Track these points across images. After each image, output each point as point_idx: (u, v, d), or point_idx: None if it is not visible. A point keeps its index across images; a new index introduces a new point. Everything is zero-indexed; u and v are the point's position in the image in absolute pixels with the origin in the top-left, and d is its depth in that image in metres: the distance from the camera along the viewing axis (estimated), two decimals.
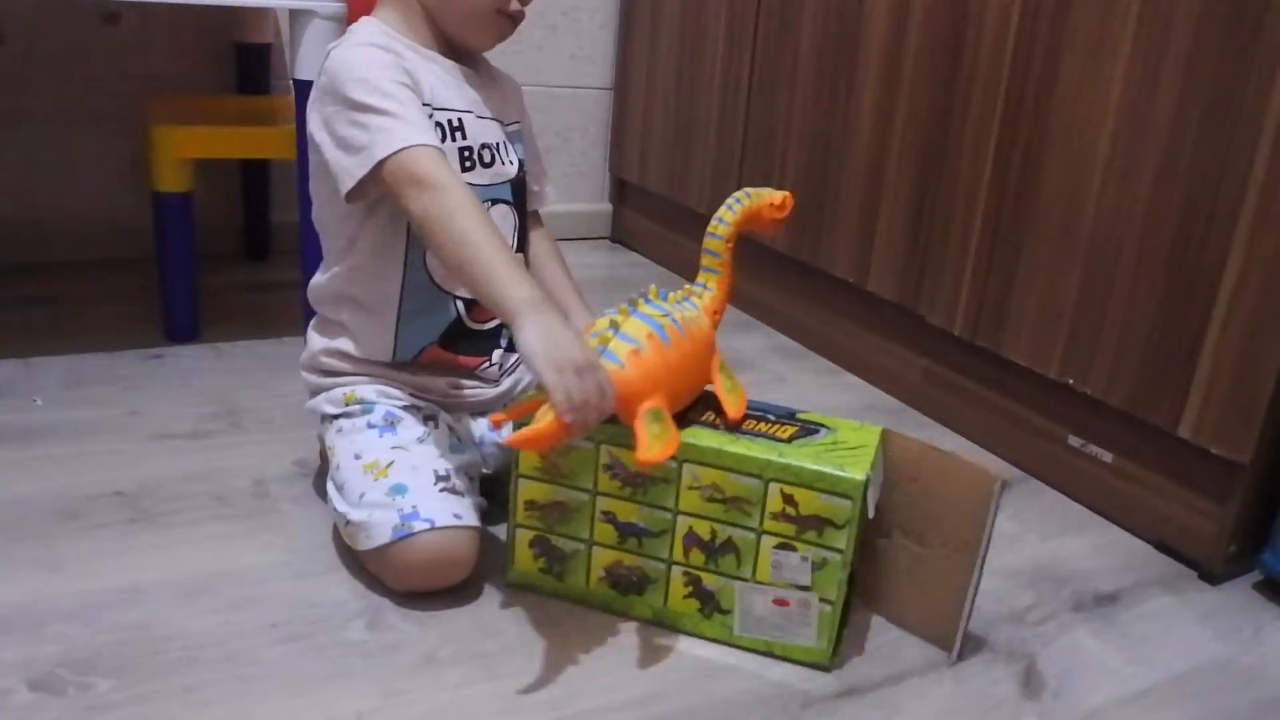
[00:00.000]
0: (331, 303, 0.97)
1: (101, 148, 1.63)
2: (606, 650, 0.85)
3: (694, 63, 1.76)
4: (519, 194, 0.99)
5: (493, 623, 0.87)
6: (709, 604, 0.86)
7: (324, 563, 0.93)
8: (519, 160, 0.99)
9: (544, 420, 0.75)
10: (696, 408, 0.88)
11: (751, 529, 0.83)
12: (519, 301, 0.78)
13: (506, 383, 1.01)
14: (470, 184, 0.91)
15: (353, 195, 0.86)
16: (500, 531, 0.95)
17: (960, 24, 1.21)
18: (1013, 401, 1.23)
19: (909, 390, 1.38)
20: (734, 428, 0.86)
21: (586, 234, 2.12)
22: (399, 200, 0.84)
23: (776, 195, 0.91)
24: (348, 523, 0.87)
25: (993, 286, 1.20)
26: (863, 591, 0.92)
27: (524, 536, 0.89)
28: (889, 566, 0.90)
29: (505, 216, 0.97)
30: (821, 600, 0.83)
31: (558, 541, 0.88)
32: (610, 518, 0.87)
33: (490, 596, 0.90)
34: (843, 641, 0.87)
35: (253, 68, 1.64)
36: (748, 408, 0.89)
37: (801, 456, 0.81)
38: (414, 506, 0.84)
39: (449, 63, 0.95)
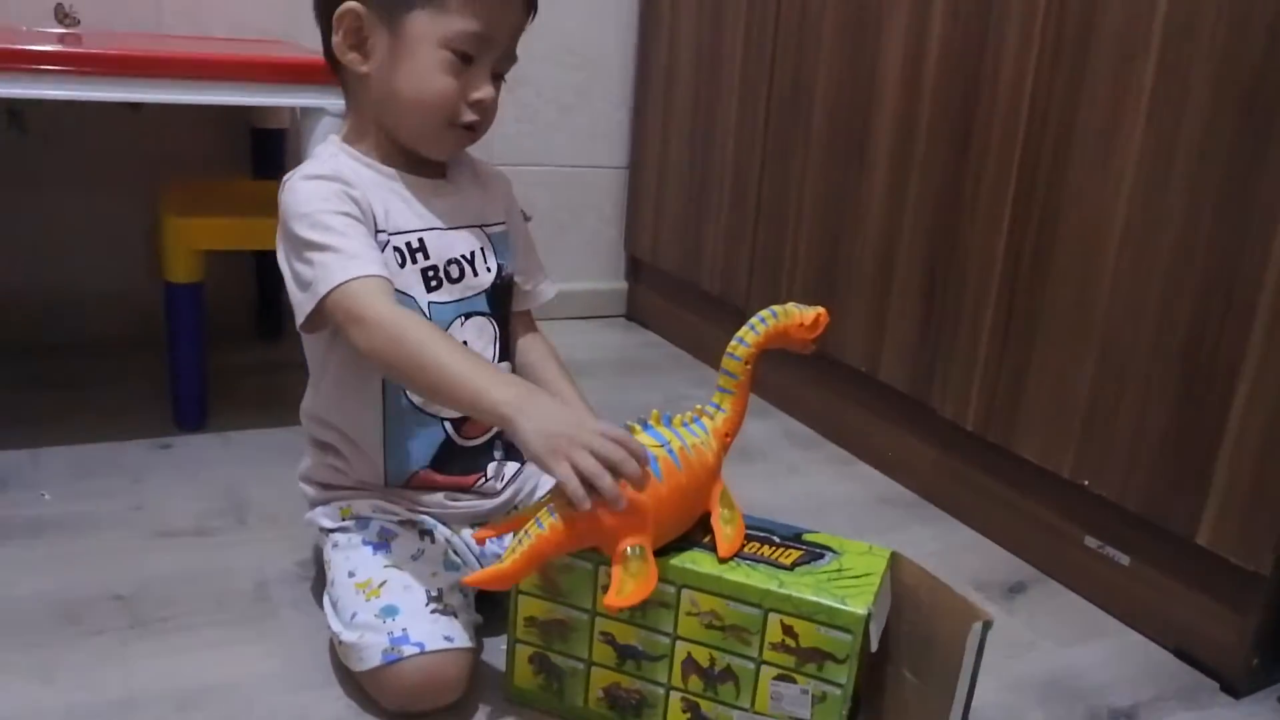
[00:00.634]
0: (319, 426, 0.97)
1: (117, 227, 1.63)
2: None
3: (706, 144, 1.76)
4: (498, 301, 0.97)
5: None
6: None
7: (321, 675, 0.91)
8: (499, 265, 0.97)
9: (510, 556, 0.76)
10: (698, 528, 0.86)
11: (751, 658, 0.81)
12: (500, 405, 0.78)
13: (508, 493, 0.99)
14: (438, 302, 0.92)
15: (307, 328, 0.87)
16: (501, 642, 0.93)
17: (970, 108, 1.21)
18: (1028, 499, 1.20)
19: (923, 482, 1.36)
20: (748, 552, 0.84)
21: (601, 312, 2.11)
22: (346, 339, 0.84)
23: (808, 314, 0.88)
24: (340, 642, 0.86)
25: (1004, 381, 1.19)
26: (872, 717, 0.89)
27: (523, 652, 0.88)
28: (892, 696, 0.87)
29: (482, 328, 0.96)
30: None
31: (556, 659, 0.87)
32: (609, 638, 0.85)
33: (487, 713, 0.88)
34: None
35: (268, 152, 1.66)
36: (753, 527, 0.88)
37: (802, 587, 0.79)
38: (404, 629, 0.83)
39: (411, 178, 0.93)
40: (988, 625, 0.79)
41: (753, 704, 0.81)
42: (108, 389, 1.52)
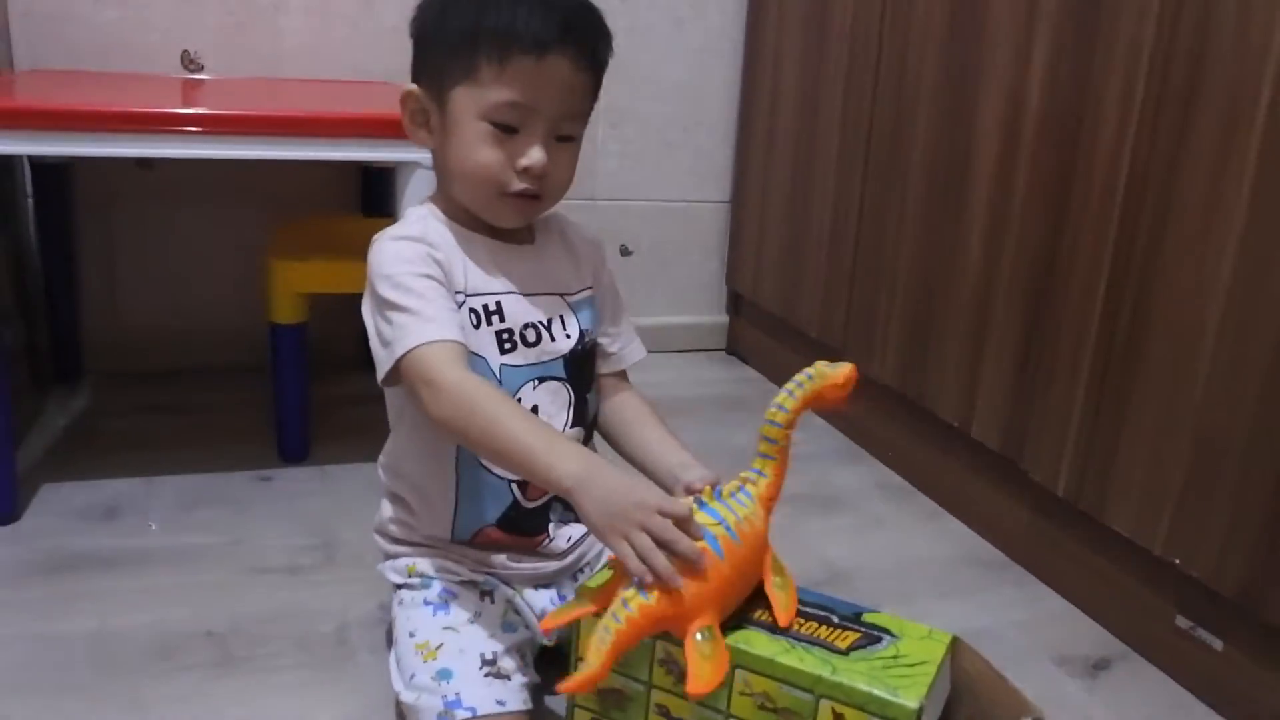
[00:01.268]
0: (393, 477, 1.00)
1: (234, 261, 1.72)
2: None
3: (806, 186, 1.75)
4: (576, 367, 0.98)
5: None
6: None
7: None
8: (581, 331, 0.98)
9: (597, 658, 0.74)
10: (750, 603, 0.86)
11: None
12: (563, 478, 0.79)
13: (572, 556, 1.00)
14: (510, 365, 0.93)
15: (386, 383, 0.90)
16: (562, 699, 0.95)
17: (1067, 172, 1.17)
18: (1118, 570, 1.16)
19: (1013, 543, 1.32)
20: (790, 629, 0.83)
21: (702, 346, 2.12)
22: (416, 402, 0.86)
23: (840, 374, 0.88)
24: (400, 700, 0.89)
25: (1097, 451, 1.14)
26: None
27: (582, 716, 0.89)
28: None
29: (556, 393, 0.96)
30: None
31: None
32: (664, 711, 0.85)
33: None
34: None
35: (378, 191, 1.72)
36: (812, 604, 0.87)
37: (855, 675, 0.78)
38: (458, 693, 0.85)
39: (494, 242, 0.95)
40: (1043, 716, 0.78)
41: None
42: (220, 418, 1.60)
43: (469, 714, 0.84)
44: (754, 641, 0.81)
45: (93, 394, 1.67)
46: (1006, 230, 1.28)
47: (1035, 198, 1.23)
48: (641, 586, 0.75)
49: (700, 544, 0.78)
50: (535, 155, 0.89)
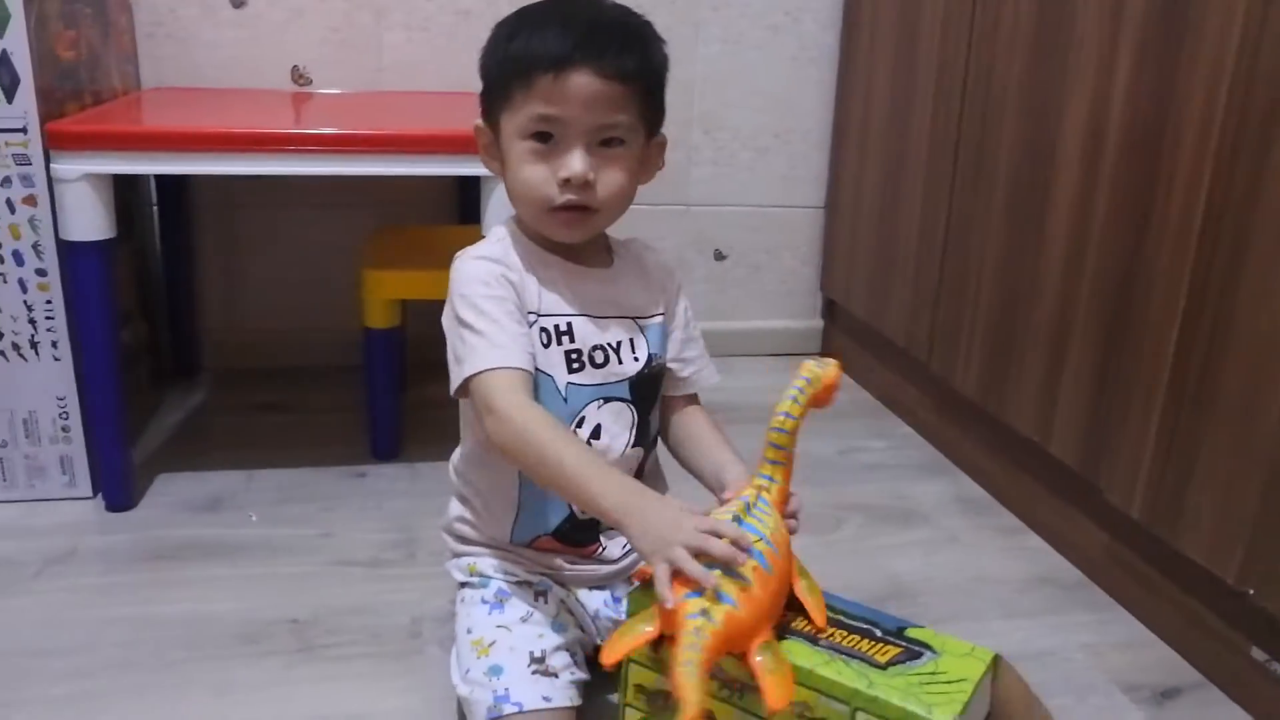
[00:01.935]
0: (461, 480, 1.04)
1: (338, 264, 1.80)
2: None
3: (896, 194, 1.74)
4: (642, 389, 1.00)
5: None
6: None
7: (448, 716, 0.99)
8: (649, 355, 1.00)
9: (693, 695, 0.75)
10: (786, 613, 0.87)
11: None
12: (610, 510, 0.83)
13: (626, 561, 1.03)
14: (576, 384, 0.96)
15: (457, 395, 0.95)
16: (613, 690, 0.98)
17: (1148, 193, 1.14)
18: (1193, 598, 1.13)
19: (1091, 564, 1.30)
20: (828, 638, 0.85)
21: (795, 350, 2.12)
22: (480, 424, 0.91)
23: (830, 374, 0.88)
24: (457, 694, 0.93)
25: (1171, 475, 1.12)
26: None
27: (633, 716, 0.91)
28: None
29: (620, 413, 0.99)
30: None
31: None
32: (709, 718, 0.87)
33: None
34: None
35: (470, 198, 1.78)
36: (857, 618, 0.88)
37: (891, 690, 0.79)
38: (506, 689, 0.89)
39: (570, 265, 0.98)
40: None
41: None
42: (321, 416, 1.69)
43: (516, 709, 0.88)
44: (795, 652, 0.83)
45: (208, 391, 1.78)
46: (1086, 249, 1.25)
47: (1115, 217, 1.20)
48: (706, 614, 0.76)
49: (751, 563, 0.79)
50: (573, 164, 0.91)
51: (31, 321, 1.28)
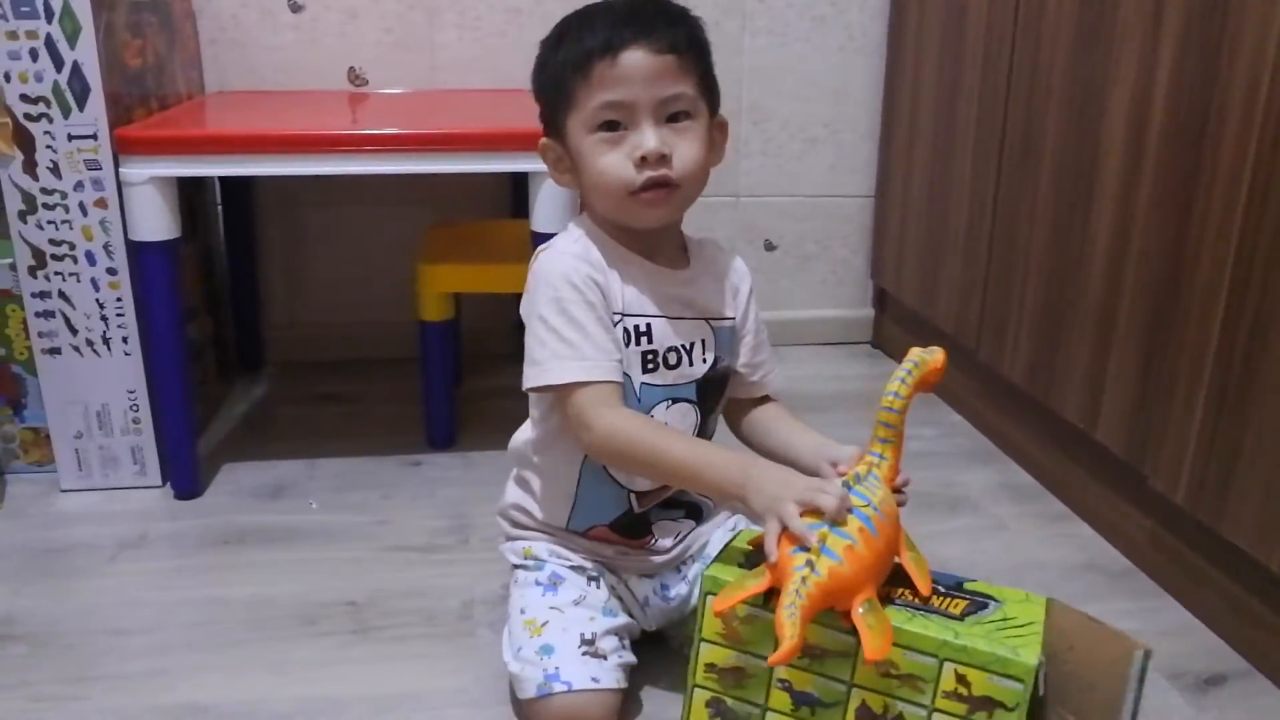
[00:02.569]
0: (523, 461, 1.07)
1: (397, 257, 1.83)
2: None
3: (944, 183, 1.74)
4: (707, 391, 1.02)
5: None
6: None
7: (497, 695, 1.02)
8: (715, 358, 1.02)
9: (793, 630, 0.79)
10: (888, 582, 0.90)
11: (923, 706, 0.85)
12: (730, 486, 0.88)
13: (676, 550, 1.06)
14: (649, 384, 0.98)
15: (531, 391, 0.97)
16: (659, 680, 1.03)
17: (1192, 178, 1.13)
18: (1238, 584, 1.12)
19: (1137, 552, 1.29)
20: (900, 595, 0.89)
21: (846, 339, 2.13)
22: (572, 433, 0.95)
23: (938, 359, 0.92)
24: (508, 670, 0.97)
25: (1216, 461, 1.11)
26: None
27: (701, 696, 0.93)
28: None
29: (685, 413, 1.01)
30: None
31: (733, 704, 0.92)
32: (787, 685, 0.89)
33: None
34: None
35: (523, 195, 1.81)
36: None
37: (975, 637, 0.83)
38: (556, 668, 0.93)
39: (649, 265, 0.99)
40: (1148, 654, 0.82)
41: None
42: (379, 406, 1.74)
43: (565, 688, 0.92)
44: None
45: (271, 383, 1.85)
46: (1131, 236, 1.25)
47: (1159, 204, 1.20)
48: (814, 567, 0.81)
49: (857, 524, 0.83)
50: (647, 139, 0.92)
51: (103, 319, 1.35)
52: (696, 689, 0.93)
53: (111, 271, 1.33)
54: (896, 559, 0.89)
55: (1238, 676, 1.09)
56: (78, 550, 1.29)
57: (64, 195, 1.30)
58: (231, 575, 1.24)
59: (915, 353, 0.92)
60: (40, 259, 1.32)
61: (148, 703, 1.02)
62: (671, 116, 0.94)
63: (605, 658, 0.96)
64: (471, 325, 1.81)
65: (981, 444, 1.66)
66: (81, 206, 1.30)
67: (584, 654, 0.95)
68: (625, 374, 0.96)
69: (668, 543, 1.06)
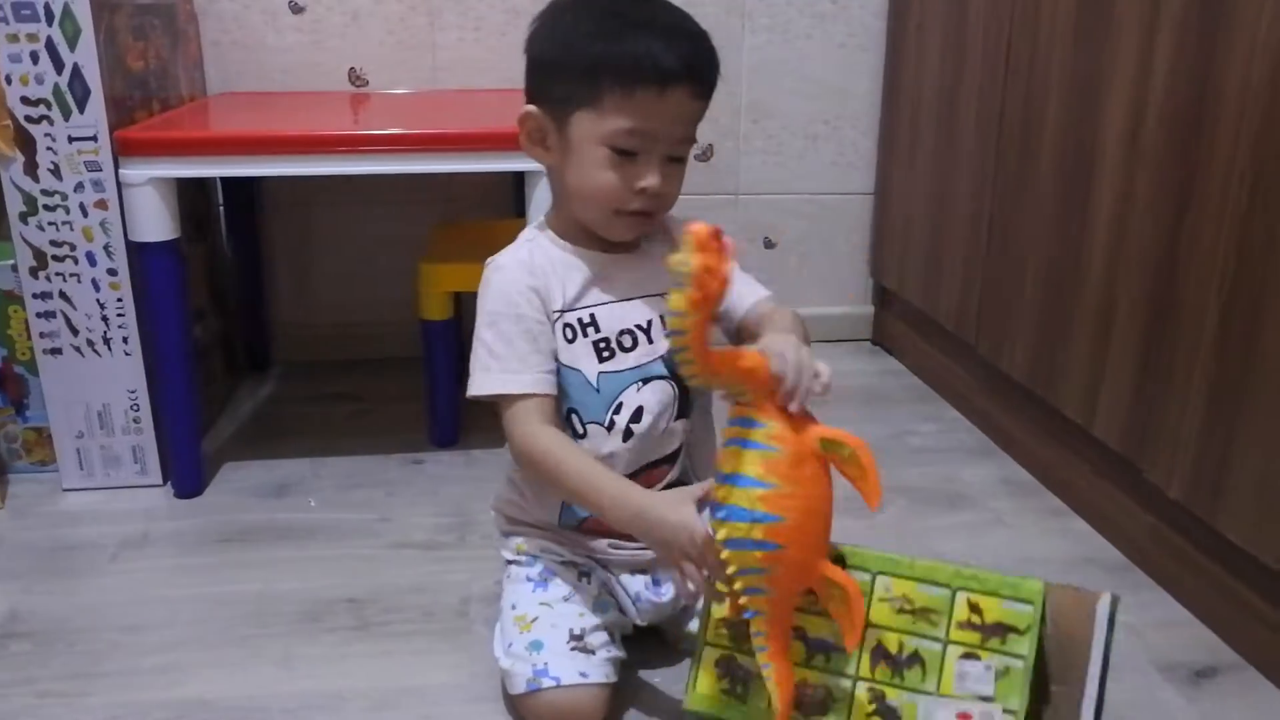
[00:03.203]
0: (512, 463, 1.08)
1: (400, 258, 1.83)
2: None
3: (945, 181, 1.74)
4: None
5: None
6: None
7: (494, 690, 1.03)
8: None
9: (772, 671, 0.85)
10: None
11: (938, 640, 0.88)
12: (618, 523, 0.90)
13: None
14: (608, 372, 0.99)
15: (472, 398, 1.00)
16: (649, 675, 1.04)
17: (1188, 173, 1.14)
18: (1233, 577, 1.12)
19: (1133, 547, 1.30)
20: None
21: (848, 336, 2.13)
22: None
23: (698, 261, 0.75)
24: (499, 666, 0.98)
25: (1211, 456, 1.12)
26: None
27: (711, 655, 0.93)
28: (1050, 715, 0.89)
29: (663, 390, 1.01)
30: (1005, 712, 0.85)
31: (744, 660, 0.92)
32: (800, 633, 0.91)
33: None
34: None
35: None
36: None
37: (982, 570, 0.89)
38: (545, 663, 0.94)
39: (601, 255, 1.00)
40: (1116, 599, 0.87)
41: (938, 686, 0.87)
42: (384, 405, 1.75)
43: (554, 683, 0.93)
44: (877, 556, 0.91)
45: (277, 383, 1.86)
46: (1129, 231, 1.25)
47: (1157, 198, 1.20)
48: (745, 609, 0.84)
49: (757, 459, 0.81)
50: (653, 179, 0.94)
51: (104, 319, 1.36)
52: (707, 647, 0.93)
53: (112, 272, 1.35)
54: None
55: (1230, 669, 1.10)
56: (81, 549, 1.30)
57: (64, 197, 1.31)
58: (234, 573, 1.25)
59: (675, 262, 0.76)
60: (41, 260, 1.33)
61: (153, 698, 1.03)
62: (675, 155, 0.96)
63: (594, 653, 0.97)
64: (472, 324, 1.82)
65: (981, 440, 1.66)
66: (82, 208, 1.32)
67: (573, 649, 0.96)
68: (576, 369, 0.98)
69: None
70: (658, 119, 0.92)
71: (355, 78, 1.79)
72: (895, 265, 1.99)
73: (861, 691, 0.89)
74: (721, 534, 0.82)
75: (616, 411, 1.00)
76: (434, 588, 1.22)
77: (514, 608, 1.01)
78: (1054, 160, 1.41)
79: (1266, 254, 1.03)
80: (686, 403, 1.04)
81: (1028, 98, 1.47)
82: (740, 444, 0.82)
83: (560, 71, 0.95)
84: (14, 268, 1.35)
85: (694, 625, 1.04)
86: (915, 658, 0.88)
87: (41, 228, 1.32)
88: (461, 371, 1.71)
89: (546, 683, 0.93)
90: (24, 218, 1.32)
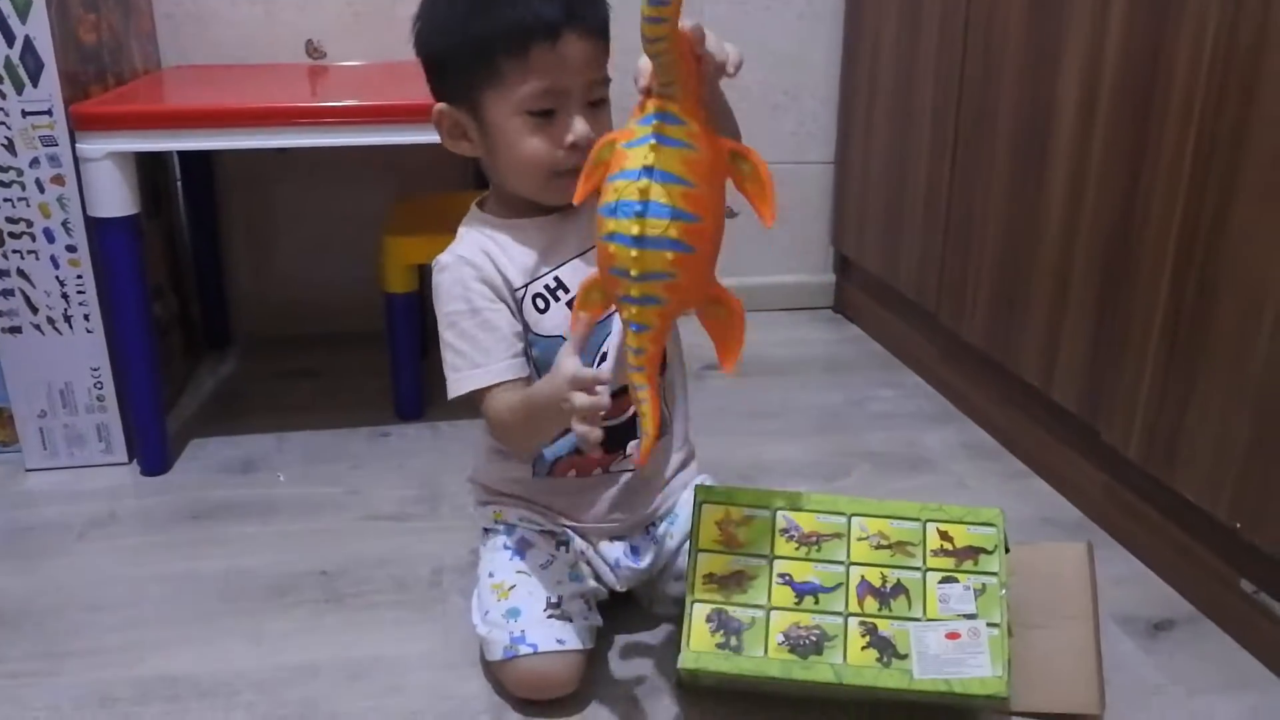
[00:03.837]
0: (486, 434, 1.08)
1: (361, 232, 1.82)
2: None
3: (903, 149, 1.76)
4: None
5: None
6: (887, 652, 0.92)
7: (469, 656, 1.04)
8: None
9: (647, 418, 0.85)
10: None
11: (916, 568, 0.97)
12: (553, 415, 0.88)
13: (645, 511, 1.08)
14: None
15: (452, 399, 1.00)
16: (624, 639, 1.06)
17: (1141, 139, 1.16)
18: (1187, 533, 1.16)
19: (1091, 506, 1.33)
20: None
21: (808, 304, 2.15)
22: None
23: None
24: (476, 633, 0.99)
25: (1165, 416, 1.15)
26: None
27: (701, 611, 0.94)
28: (1020, 661, 0.95)
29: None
30: (989, 626, 0.92)
31: (735, 611, 0.94)
32: (787, 579, 0.95)
33: (601, 704, 0.98)
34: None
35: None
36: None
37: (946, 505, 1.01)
38: (523, 631, 0.95)
39: (544, 219, 0.99)
40: (1090, 545, 1.03)
41: (925, 611, 0.94)
42: (347, 380, 1.75)
43: (531, 650, 0.94)
44: (848, 500, 1.01)
45: (238, 360, 1.85)
46: (1084, 198, 1.27)
47: (1110, 165, 1.22)
48: (632, 320, 0.82)
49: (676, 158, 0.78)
50: (579, 128, 0.92)
51: (64, 296, 1.35)
52: (696, 604, 0.95)
53: (71, 249, 1.33)
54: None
55: (1185, 621, 1.13)
56: (46, 529, 1.29)
57: (20, 172, 1.29)
58: (202, 549, 1.25)
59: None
60: None
61: (123, 675, 1.03)
62: (594, 99, 0.94)
63: (571, 620, 0.98)
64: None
65: (940, 405, 1.69)
66: (38, 183, 1.30)
67: (550, 617, 0.97)
68: (558, 336, 0.97)
69: (635, 454, 1.03)
70: (560, 71, 0.90)
71: (313, 50, 1.77)
72: (855, 234, 2.01)
73: (854, 626, 0.93)
74: (635, 230, 0.78)
75: (603, 360, 1.00)
76: (405, 559, 1.22)
77: (491, 575, 1.02)
78: (1011, 130, 1.43)
79: (1216, 222, 1.06)
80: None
81: (985, 68, 1.48)
82: (660, 139, 0.78)
83: (454, 61, 0.95)
84: None
85: (670, 589, 1.07)
86: (899, 588, 0.95)
87: None
88: (425, 343, 1.73)
89: (524, 649, 0.94)
90: None
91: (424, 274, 1.53)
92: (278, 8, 1.76)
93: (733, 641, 0.92)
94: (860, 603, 0.94)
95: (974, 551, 0.97)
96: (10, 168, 1.28)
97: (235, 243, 1.88)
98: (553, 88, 0.91)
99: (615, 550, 1.07)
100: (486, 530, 1.08)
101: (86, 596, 1.15)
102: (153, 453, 1.41)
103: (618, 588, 1.08)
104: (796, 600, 0.94)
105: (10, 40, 1.23)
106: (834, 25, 1.97)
